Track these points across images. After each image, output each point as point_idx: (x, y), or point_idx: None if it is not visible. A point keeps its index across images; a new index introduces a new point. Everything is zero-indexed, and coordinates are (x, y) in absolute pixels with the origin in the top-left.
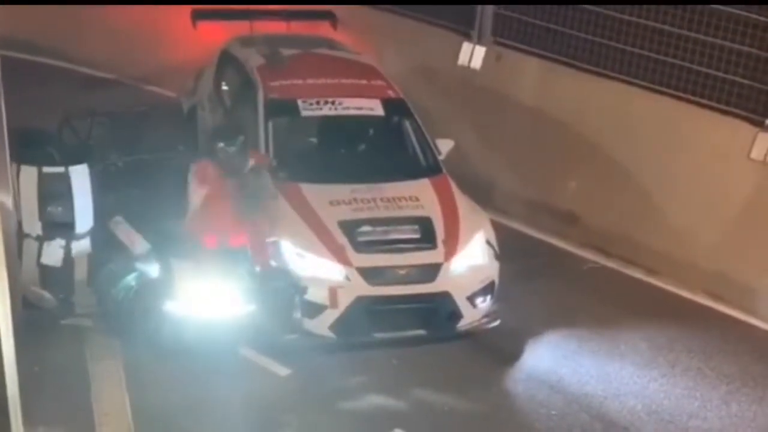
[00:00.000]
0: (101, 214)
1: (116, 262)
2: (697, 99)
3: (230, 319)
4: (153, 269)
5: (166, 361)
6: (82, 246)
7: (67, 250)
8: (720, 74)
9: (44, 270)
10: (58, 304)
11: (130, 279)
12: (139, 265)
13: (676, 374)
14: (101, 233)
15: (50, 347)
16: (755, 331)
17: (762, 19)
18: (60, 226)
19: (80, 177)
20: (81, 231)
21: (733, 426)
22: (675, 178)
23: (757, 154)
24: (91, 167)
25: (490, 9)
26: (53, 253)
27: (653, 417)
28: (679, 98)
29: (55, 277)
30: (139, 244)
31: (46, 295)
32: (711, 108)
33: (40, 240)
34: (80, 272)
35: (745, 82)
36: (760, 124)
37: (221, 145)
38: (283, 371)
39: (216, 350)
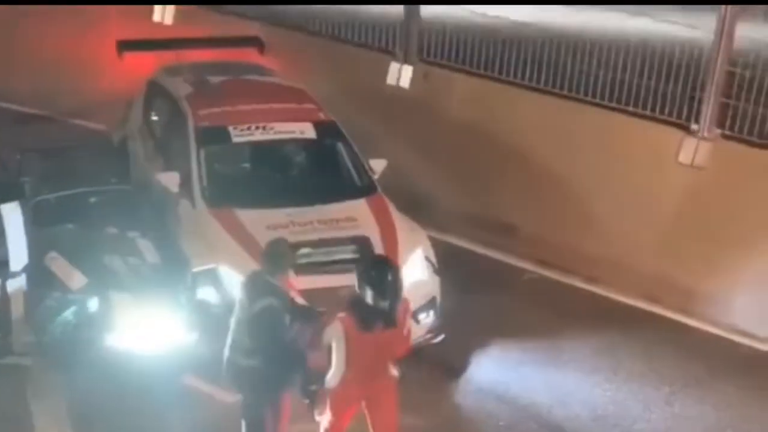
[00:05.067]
0: (36, 250)
1: (53, 298)
2: (624, 107)
3: (173, 348)
4: (92, 303)
5: (110, 395)
6: (17, 284)
7: (3, 288)
8: (645, 81)
9: None
10: None
11: (68, 314)
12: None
13: (619, 379)
14: (36, 270)
15: None
16: (695, 332)
17: None
18: None
19: (12, 214)
20: (16, 268)
21: (677, 426)
22: (609, 185)
23: (684, 158)
24: (23, 204)
25: (415, 28)
26: None
27: (599, 422)
28: (606, 107)
29: None
30: (76, 278)
31: None
32: (639, 115)
33: None
34: (17, 310)
35: (669, 88)
36: (685, 129)
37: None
38: (230, 398)
39: (160, 381)
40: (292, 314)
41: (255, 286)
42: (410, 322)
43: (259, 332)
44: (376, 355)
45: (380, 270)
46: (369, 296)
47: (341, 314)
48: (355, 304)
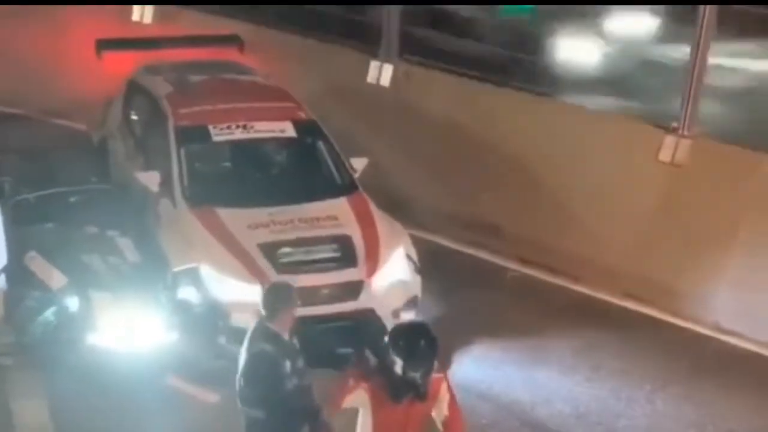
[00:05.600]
0: (15, 250)
1: (33, 298)
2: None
3: (154, 348)
4: (72, 303)
5: (92, 395)
6: None
7: None
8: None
9: None
10: None
11: (49, 314)
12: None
13: (602, 376)
14: (16, 269)
15: None
16: (674, 329)
17: None
18: None
19: None
20: None
21: (658, 423)
22: (590, 183)
23: (664, 156)
24: (2, 203)
25: (395, 26)
26: None
27: (582, 420)
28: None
29: None
30: (55, 278)
31: None
32: (619, 114)
33: None
34: None
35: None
36: (666, 127)
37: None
38: (212, 398)
39: (142, 381)
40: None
41: (254, 331)
42: (449, 397)
43: (254, 380)
44: (404, 428)
45: (412, 338)
46: (398, 366)
47: (365, 383)
48: (383, 373)
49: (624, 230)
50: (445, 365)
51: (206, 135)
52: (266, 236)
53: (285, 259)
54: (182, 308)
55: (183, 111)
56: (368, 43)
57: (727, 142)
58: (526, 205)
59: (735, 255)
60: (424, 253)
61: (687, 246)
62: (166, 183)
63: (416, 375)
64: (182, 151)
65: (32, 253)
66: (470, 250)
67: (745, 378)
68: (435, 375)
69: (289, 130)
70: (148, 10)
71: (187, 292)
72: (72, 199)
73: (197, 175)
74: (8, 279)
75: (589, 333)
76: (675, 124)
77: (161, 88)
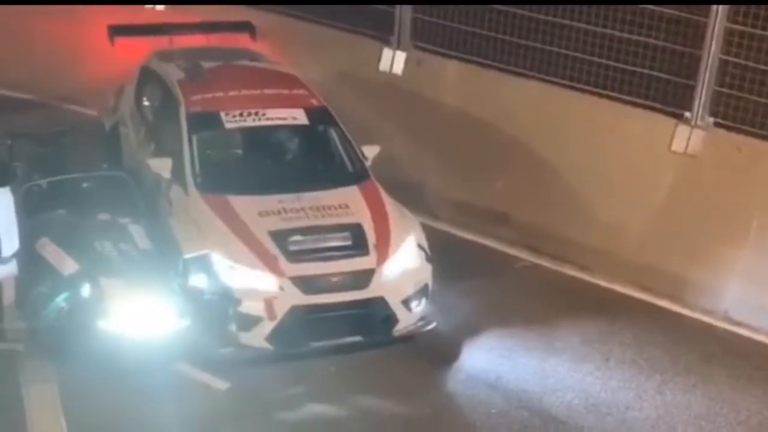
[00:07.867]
0: (27, 236)
1: (45, 284)
2: (617, 95)
3: (165, 335)
4: (83, 289)
5: (103, 381)
6: (8, 270)
7: None
8: (637, 69)
9: None
10: None
11: (60, 300)
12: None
13: (611, 367)
14: (28, 256)
15: None
16: (685, 320)
17: (673, 12)
18: None
19: (3, 200)
20: (7, 255)
21: (668, 414)
22: (601, 173)
23: (677, 146)
24: (14, 189)
25: (408, 14)
26: None
27: (591, 410)
28: (599, 95)
29: None
30: (67, 264)
31: None
32: (631, 103)
33: None
34: (8, 297)
35: (663, 75)
36: (679, 117)
37: None
38: (222, 385)
39: (152, 368)
40: None
41: None
42: None
43: None
44: None
45: None
46: None
47: None
48: None
49: (635, 220)
50: (455, 354)
51: (218, 122)
52: (277, 224)
53: (295, 247)
54: (193, 295)
55: (195, 97)
56: (381, 30)
57: (741, 132)
58: (537, 195)
59: (747, 246)
60: (434, 241)
61: (699, 236)
62: (177, 170)
63: None
64: (194, 138)
65: (44, 240)
66: (480, 239)
67: (756, 369)
68: None
69: (301, 118)
70: None
71: (198, 279)
72: (84, 186)
73: (209, 162)
74: (20, 265)
75: (600, 323)
76: (688, 114)
77: (173, 74)
